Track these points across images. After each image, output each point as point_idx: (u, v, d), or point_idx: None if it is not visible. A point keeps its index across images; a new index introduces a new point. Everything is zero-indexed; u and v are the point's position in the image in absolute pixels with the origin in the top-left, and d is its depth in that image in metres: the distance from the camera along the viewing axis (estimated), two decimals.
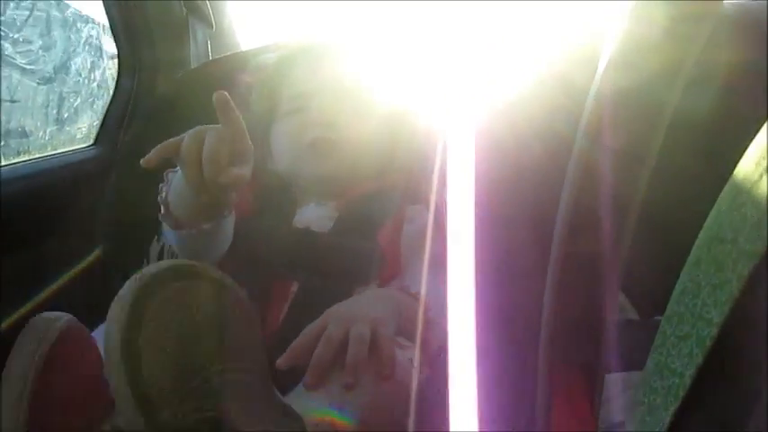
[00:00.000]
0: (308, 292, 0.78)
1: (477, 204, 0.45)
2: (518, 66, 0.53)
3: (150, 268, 0.50)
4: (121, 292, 0.49)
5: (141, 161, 0.66)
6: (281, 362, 0.62)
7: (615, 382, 0.72)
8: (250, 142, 0.68)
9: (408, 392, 0.64)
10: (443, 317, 0.70)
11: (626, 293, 0.95)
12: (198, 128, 0.67)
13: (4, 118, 1.25)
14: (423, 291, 0.81)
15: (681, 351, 0.34)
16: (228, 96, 0.65)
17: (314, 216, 0.86)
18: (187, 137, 0.66)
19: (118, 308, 0.47)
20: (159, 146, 0.66)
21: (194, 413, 0.48)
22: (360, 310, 0.69)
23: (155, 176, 0.98)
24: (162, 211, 0.75)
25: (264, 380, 0.53)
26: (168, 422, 0.47)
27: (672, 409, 0.33)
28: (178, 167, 0.71)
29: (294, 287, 0.78)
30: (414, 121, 0.94)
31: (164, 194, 0.75)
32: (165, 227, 0.78)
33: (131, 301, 0.47)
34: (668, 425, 0.34)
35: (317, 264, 0.79)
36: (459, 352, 0.41)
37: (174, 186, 0.73)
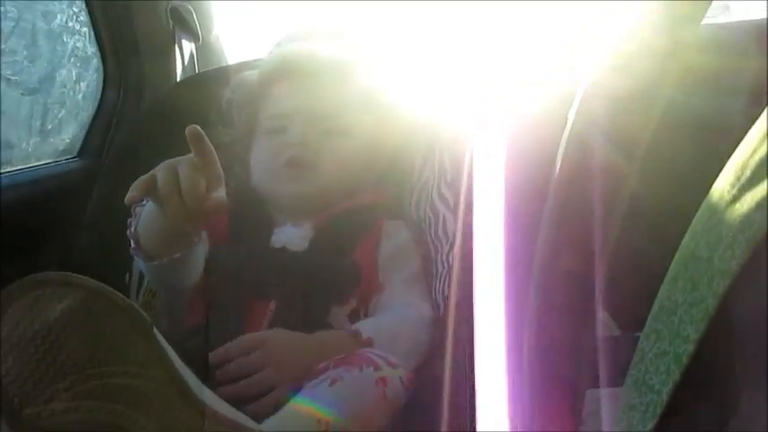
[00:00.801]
0: (285, 309, 0.79)
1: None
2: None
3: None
4: None
5: (125, 200, 0.66)
6: (212, 355, 0.70)
7: (605, 397, 0.72)
8: (221, 169, 0.69)
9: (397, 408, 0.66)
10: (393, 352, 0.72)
11: (608, 310, 0.96)
12: (168, 162, 0.68)
13: None
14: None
15: (659, 368, 0.35)
16: (200, 130, 0.67)
17: (290, 236, 0.88)
18: (161, 171, 0.67)
19: None
20: (134, 184, 0.67)
21: (64, 413, 0.50)
22: (297, 359, 0.72)
23: None
24: (132, 245, 0.75)
25: (175, 387, 0.54)
26: (32, 419, 0.49)
27: (650, 426, 0.34)
28: (145, 201, 0.71)
29: (272, 305, 0.80)
30: (394, 136, 0.96)
31: (133, 228, 0.75)
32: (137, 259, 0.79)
33: None
34: None
35: (294, 282, 0.80)
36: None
37: (144, 219, 0.74)
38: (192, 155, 0.67)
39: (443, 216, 0.87)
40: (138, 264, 0.94)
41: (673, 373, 0.33)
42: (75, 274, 0.52)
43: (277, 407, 0.66)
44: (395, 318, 0.81)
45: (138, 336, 0.52)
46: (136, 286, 0.94)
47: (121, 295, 0.53)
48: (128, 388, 0.51)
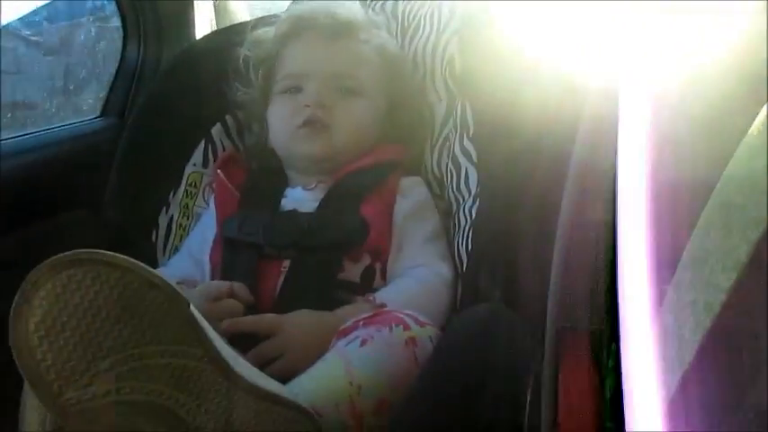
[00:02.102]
0: (298, 268, 0.80)
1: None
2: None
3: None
4: None
5: None
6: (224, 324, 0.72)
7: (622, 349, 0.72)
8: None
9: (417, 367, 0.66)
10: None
11: None
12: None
13: (9, 90, 1.25)
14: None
15: (687, 318, 0.35)
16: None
17: (300, 199, 0.89)
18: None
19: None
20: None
21: (105, 396, 0.49)
22: (312, 346, 0.71)
23: (164, 148, 0.99)
24: None
25: (216, 365, 0.53)
26: (72, 403, 0.48)
27: (679, 375, 0.34)
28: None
29: (285, 264, 0.81)
30: (412, 94, 0.95)
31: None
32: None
33: (20, 292, 0.48)
34: (678, 388, 0.34)
35: (304, 241, 0.81)
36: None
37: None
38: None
39: (466, 169, 0.86)
40: (164, 220, 0.96)
41: (703, 321, 0.33)
42: (107, 252, 0.50)
43: None
44: (416, 283, 0.81)
45: (175, 314, 0.51)
46: (162, 243, 0.95)
47: (156, 273, 0.51)
48: (167, 367, 0.51)
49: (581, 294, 0.47)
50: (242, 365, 0.56)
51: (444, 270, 0.83)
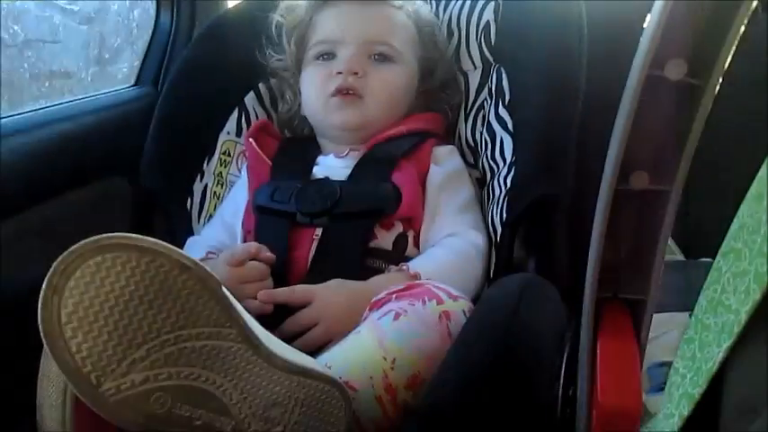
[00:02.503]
0: (331, 234, 0.80)
1: None
2: None
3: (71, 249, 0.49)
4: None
5: None
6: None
7: (658, 323, 0.71)
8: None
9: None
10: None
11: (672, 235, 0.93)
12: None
13: (48, 59, 1.26)
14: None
15: (737, 288, 0.34)
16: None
17: (332, 167, 0.88)
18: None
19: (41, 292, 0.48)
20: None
21: (144, 383, 0.49)
22: (346, 315, 0.72)
23: (197, 116, 0.99)
24: None
25: (245, 342, 0.53)
26: (112, 394, 0.48)
27: (725, 346, 0.33)
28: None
29: (318, 232, 0.81)
30: (444, 61, 0.94)
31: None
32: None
33: (47, 282, 0.47)
34: (720, 361, 0.34)
35: (337, 209, 0.81)
36: None
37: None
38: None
39: (501, 138, 0.85)
40: (199, 188, 0.97)
41: (753, 292, 0.32)
42: (135, 236, 0.49)
43: None
44: (449, 253, 0.80)
45: (207, 295, 0.50)
46: (197, 211, 0.96)
47: (187, 254, 0.50)
48: (203, 350, 0.50)
49: (622, 263, 0.46)
50: (273, 342, 0.56)
51: (478, 239, 0.83)
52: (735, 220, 0.36)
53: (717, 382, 0.34)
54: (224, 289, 0.52)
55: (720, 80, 0.38)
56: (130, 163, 0.98)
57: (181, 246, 0.91)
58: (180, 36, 1.12)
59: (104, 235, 0.48)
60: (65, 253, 0.48)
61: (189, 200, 0.95)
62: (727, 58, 0.38)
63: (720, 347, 0.34)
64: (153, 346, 0.49)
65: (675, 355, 0.41)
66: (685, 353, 0.37)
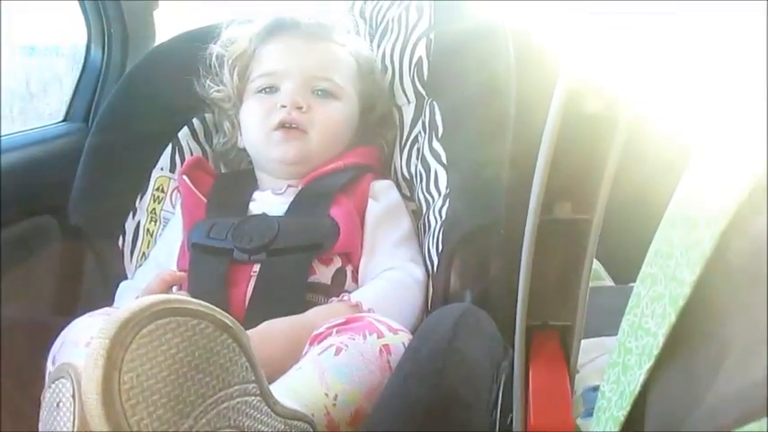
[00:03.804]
0: (269, 271, 0.79)
1: None
2: None
3: (120, 315, 0.48)
4: (97, 337, 0.47)
5: None
6: None
7: (591, 348, 0.73)
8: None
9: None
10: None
11: (601, 262, 0.96)
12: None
13: None
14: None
15: (654, 311, 0.35)
16: None
17: (270, 204, 0.88)
18: None
19: (93, 358, 0.46)
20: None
21: None
22: (287, 348, 0.71)
23: (129, 152, 0.97)
24: None
25: (261, 395, 0.53)
26: None
27: (646, 368, 0.34)
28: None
29: (255, 268, 0.80)
30: (383, 97, 0.96)
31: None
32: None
33: (106, 357, 0.45)
34: (642, 383, 0.35)
35: (274, 244, 0.80)
36: None
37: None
38: None
39: (435, 171, 0.87)
40: (131, 226, 0.94)
41: (668, 315, 0.33)
42: (182, 298, 0.49)
43: None
44: (389, 284, 0.81)
45: (240, 352, 0.51)
46: (129, 249, 0.93)
47: (225, 313, 0.50)
48: (235, 407, 0.50)
49: (550, 291, 0.47)
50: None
51: (416, 272, 0.83)
52: (651, 246, 0.38)
53: (641, 404, 0.35)
54: (248, 342, 0.52)
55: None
56: (59, 201, 0.95)
57: (113, 289, 0.90)
58: (111, 70, 1.11)
59: (152, 299, 0.47)
60: (116, 322, 0.46)
61: (120, 238, 0.93)
62: (635, 92, 0.40)
63: (642, 370, 0.35)
64: (199, 413, 0.48)
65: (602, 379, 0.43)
66: (610, 377, 0.38)
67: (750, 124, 0.31)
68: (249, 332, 0.72)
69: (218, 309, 0.49)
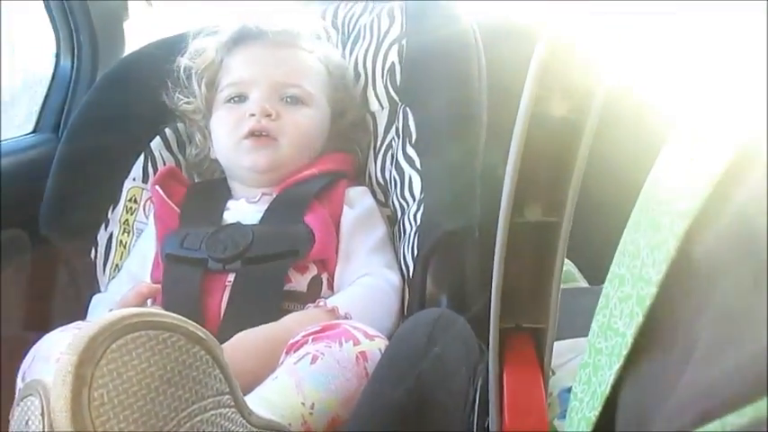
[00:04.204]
0: (244, 280, 0.79)
1: None
2: None
3: (88, 329, 0.47)
4: (65, 353, 0.46)
5: None
6: None
7: (566, 349, 0.74)
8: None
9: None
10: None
11: (576, 263, 0.97)
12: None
13: None
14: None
15: (623, 311, 0.35)
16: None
17: (244, 212, 0.87)
18: None
19: (61, 375, 0.45)
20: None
21: None
22: (261, 356, 0.70)
23: (100, 163, 0.96)
24: None
25: (236, 406, 0.53)
26: None
27: (615, 368, 0.35)
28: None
29: (230, 277, 0.79)
30: (355, 103, 0.96)
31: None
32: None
33: (74, 374, 0.45)
34: (612, 383, 0.35)
35: (249, 253, 0.80)
36: None
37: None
38: None
39: (409, 176, 0.87)
40: (104, 238, 0.93)
41: (636, 315, 0.34)
42: (153, 311, 0.48)
43: None
44: (365, 290, 0.81)
45: (213, 364, 0.50)
46: (102, 261, 0.92)
47: (196, 324, 0.49)
48: (209, 420, 0.50)
49: (522, 293, 0.47)
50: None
51: (393, 277, 0.83)
52: (618, 247, 0.38)
53: (612, 404, 0.36)
54: (223, 354, 0.52)
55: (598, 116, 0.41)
56: (30, 214, 0.93)
57: (87, 302, 0.88)
58: (81, 80, 1.10)
59: (122, 313, 0.46)
60: (84, 337, 0.45)
61: (93, 250, 0.92)
62: (604, 93, 0.41)
63: (611, 370, 0.35)
64: (173, 427, 0.47)
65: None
66: (582, 377, 0.39)
67: (708, 128, 0.32)
68: (223, 345, 0.72)
69: (190, 321, 0.49)
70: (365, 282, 0.82)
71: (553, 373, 0.69)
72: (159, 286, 0.79)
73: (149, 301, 0.80)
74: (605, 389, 0.35)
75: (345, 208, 0.87)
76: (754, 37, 0.31)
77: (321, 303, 0.77)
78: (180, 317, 0.49)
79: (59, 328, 0.71)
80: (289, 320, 0.75)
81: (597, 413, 0.35)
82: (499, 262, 0.46)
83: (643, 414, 0.31)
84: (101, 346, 0.45)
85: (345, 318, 0.74)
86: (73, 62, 1.10)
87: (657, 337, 0.33)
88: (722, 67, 0.34)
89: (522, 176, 0.43)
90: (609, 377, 0.35)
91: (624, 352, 0.34)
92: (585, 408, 0.37)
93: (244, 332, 0.73)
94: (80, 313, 0.86)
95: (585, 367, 0.38)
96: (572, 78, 0.41)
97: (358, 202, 0.89)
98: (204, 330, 0.50)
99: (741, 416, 0.21)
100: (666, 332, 0.32)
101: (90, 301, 0.88)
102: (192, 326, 0.49)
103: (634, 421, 0.32)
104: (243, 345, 0.71)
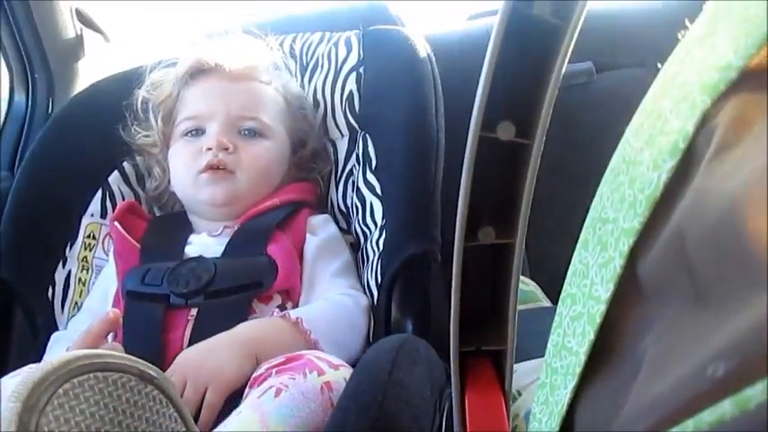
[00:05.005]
0: (206, 314, 0.78)
1: None
2: None
3: (32, 376, 0.45)
4: (9, 401, 0.44)
5: None
6: None
7: (532, 369, 0.74)
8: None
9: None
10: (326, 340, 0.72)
11: (539, 284, 0.98)
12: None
13: None
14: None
15: (575, 330, 0.36)
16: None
17: (206, 246, 0.87)
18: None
19: (5, 425, 0.43)
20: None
21: None
22: (208, 359, 0.70)
23: (56, 200, 0.94)
24: None
25: None
26: None
27: (571, 387, 0.35)
28: None
29: (193, 312, 0.78)
30: (313, 133, 0.96)
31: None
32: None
33: (18, 423, 0.43)
34: (569, 402, 0.35)
35: (212, 287, 0.79)
36: None
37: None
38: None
39: (371, 203, 0.87)
40: (61, 276, 0.91)
41: (588, 333, 0.34)
42: (101, 352, 0.47)
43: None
44: (330, 304, 0.80)
45: (168, 404, 0.49)
46: (60, 300, 0.90)
47: (148, 364, 0.48)
48: None
49: (481, 316, 0.47)
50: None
51: (357, 295, 0.83)
52: (570, 266, 0.39)
53: (569, 423, 0.36)
54: (175, 391, 0.50)
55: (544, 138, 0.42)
56: None
57: (44, 342, 0.86)
58: (37, 116, 1.09)
59: (68, 356, 0.45)
60: (28, 383, 0.43)
61: (50, 289, 0.89)
62: (548, 118, 0.41)
63: (567, 389, 0.35)
64: None
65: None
66: (540, 397, 0.39)
67: (646, 146, 0.33)
68: (186, 352, 0.71)
69: (140, 360, 0.48)
70: (329, 297, 0.81)
71: (519, 395, 0.69)
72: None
73: (110, 338, 0.78)
74: (562, 408, 0.35)
75: (308, 236, 0.87)
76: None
77: (286, 314, 0.76)
78: (130, 356, 0.48)
79: (11, 374, 0.69)
80: (243, 325, 0.74)
81: None
82: (456, 286, 0.46)
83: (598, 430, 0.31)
84: (46, 392, 0.43)
85: (308, 331, 0.74)
86: (27, 98, 1.08)
87: (608, 354, 0.33)
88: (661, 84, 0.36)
89: (474, 200, 0.43)
90: (565, 396, 0.35)
91: (578, 370, 0.34)
92: (544, 428, 0.37)
93: (210, 339, 0.73)
94: (38, 355, 0.83)
95: (543, 387, 0.38)
96: (519, 102, 0.42)
97: (321, 230, 0.89)
98: (157, 369, 0.48)
99: (683, 429, 0.22)
100: (616, 349, 0.33)
101: (48, 341, 0.85)
102: (143, 365, 0.47)
103: None
104: (184, 355, 0.71)
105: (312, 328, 0.74)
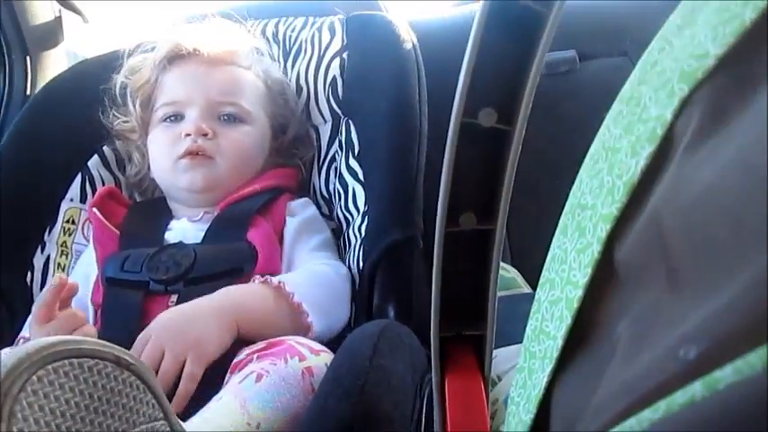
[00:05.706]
0: (187, 300, 0.77)
1: None
2: None
3: (4, 361, 0.43)
4: None
5: None
6: None
7: (513, 355, 0.75)
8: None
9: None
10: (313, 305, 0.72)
11: (521, 270, 0.99)
12: None
13: None
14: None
15: (553, 315, 0.36)
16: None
17: (186, 231, 0.86)
18: None
19: None
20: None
21: None
22: (188, 328, 0.69)
23: (34, 184, 0.93)
24: None
25: (170, 430, 0.51)
26: None
27: (548, 371, 0.35)
28: None
29: (173, 299, 0.78)
30: (294, 117, 0.96)
31: None
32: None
33: None
34: (546, 386, 0.35)
35: (192, 273, 0.79)
36: None
37: None
38: None
39: (353, 188, 0.87)
40: (40, 261, 0.90)
41: (565, 318, 0.34)
42: (75, 338, 0.46)
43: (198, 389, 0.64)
44: (310, 271, 0.80)
45: (145, 389, 0.48)
46: (39, 285, 0.89)
47: (125, 350, 0.47)
48: None
49: (461, 301, 0.48)
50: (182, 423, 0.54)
51: (338, 265, 0.83)
52: (549, 251, 0.39)
53: (546, 406, 0.36)
54: (155, 380, 0.49)
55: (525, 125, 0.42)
56: None
57: (23, 326, 0.85)
58: (14, 99, 1.07)
59: (42, 342, 0.43)
60: (1, 370, 0.42)
61: (29, 274, 0.89)
62: (530, 105, 0.42)
63: (544, 373, 0.36)
64: None
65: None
66: (518, 381, 0.39)
67: (624, 133, 0.33)
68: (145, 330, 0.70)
69: (117, 346, 0.47)
70: (308, 266, 0.81)
71: (499, 380, 0.70)
72: (77, 283, 0.76)
73: (90, 324, 0.77)
74: (539, 392, 0.36)
75: (288, 218, 0.87)
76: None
77: (267, 279, 0.76)
78: (106, 342, 0.47)
79: None
80: (222, 291, 0.74)
81: (533, 416, 0.36)
82: (437, 271, 0.46)
83: (573, 415, 0.31)
84: (19, 379, 0.42)
85: (290, 294, 0.74)
86: (5, 81, 1.07)
87: (585, 338, 0.34)
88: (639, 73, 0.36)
89: (455, 186, 0.44)
90: (542, 380, 0.36)
91: (555, 354, 0.35)
92: (522, 411, 0.37)
93: (186, 304, 0.73)
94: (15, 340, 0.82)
95: (521, 371, 0.39)
96: (500, 89, 0.42)
97: (300, 212, 0.89)
98: (133, 355, 0.48)
99: (655, 411, 0.22)
100: (593, 334, 0.33)
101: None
102: (119, 351, 0.47)
103: (566, 423, 0.33)
104: (161, 318, 0.71)
105: (294, 291, 0.74)
